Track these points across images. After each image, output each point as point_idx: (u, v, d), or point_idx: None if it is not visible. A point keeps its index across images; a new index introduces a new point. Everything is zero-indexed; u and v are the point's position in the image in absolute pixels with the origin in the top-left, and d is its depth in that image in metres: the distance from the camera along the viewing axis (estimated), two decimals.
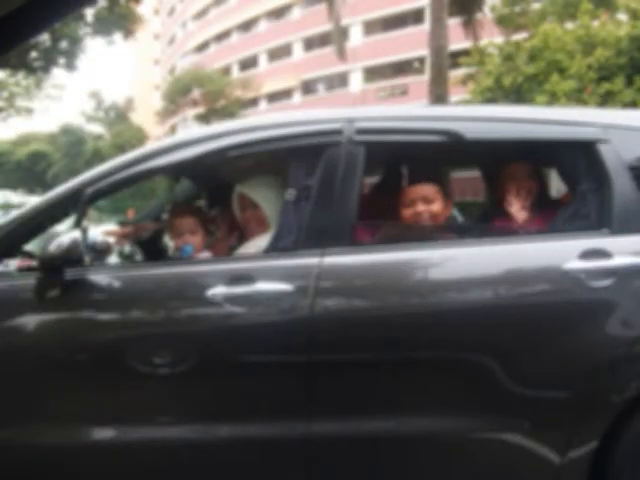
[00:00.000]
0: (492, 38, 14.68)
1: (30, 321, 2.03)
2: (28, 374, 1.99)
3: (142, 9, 20.81)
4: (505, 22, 16.40)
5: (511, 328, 1.90)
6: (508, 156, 2.45)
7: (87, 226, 2.07)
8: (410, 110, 2.35)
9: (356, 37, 32.57)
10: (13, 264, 2.28)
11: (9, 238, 2.13)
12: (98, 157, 35.16)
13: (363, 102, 28.18)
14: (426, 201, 2.27)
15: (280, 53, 38.52)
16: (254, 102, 37.28)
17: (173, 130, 41.85)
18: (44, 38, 16.24)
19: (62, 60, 17.89)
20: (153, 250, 2.81)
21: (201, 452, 1.94)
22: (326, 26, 19.22)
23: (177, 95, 34.87)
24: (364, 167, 2.04)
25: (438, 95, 12.53)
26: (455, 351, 1.91)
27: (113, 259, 2.61)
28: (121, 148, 34.44)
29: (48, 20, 1.43)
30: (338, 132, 2.06)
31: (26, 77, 21.22)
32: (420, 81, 25.90)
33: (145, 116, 46.07)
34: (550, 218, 2.14)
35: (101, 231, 2.74)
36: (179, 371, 1.95)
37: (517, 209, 2.33)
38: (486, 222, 2.53)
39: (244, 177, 2.47)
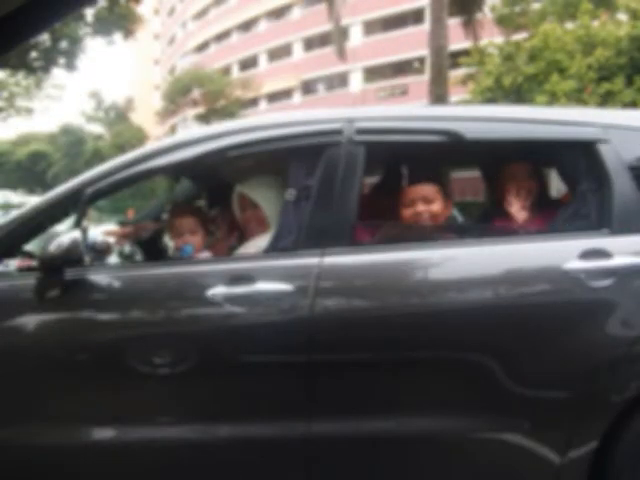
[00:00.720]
0: (492, 38, 14.69)
1: (30, 321, 2.03)
2: (28, 374, 1.99)
3: (142, 9, 20.82)
4: (505, 22, 16.39)
5: (511, 328, 1.90)
6: (508, 156, 2.45)
7: (87, 226, 2.07)
8: (410, 110, 2.35)
9: (356, 37, 32.57)
10: (13, 264, 2.28)
11: (9, 238, 2.13)
12: (98, 157, 35.15)
13: (363, 102, 28.18)
14: (426, 201, 2.27)
15: (280, 53, 38.51)
16: (254, 102, 37.27)
17: (173, 130, 41.84)
18: (44, 38, 16.24)
19: (62, 60, 17.89)
20: (153, 250, 2.81)
21: (201, 452, 1.94)
22: (326, 26, 19.22)
23: (177, 95, 34.87)
24: (364, 167, 2.04)
25: (438, 95, 12.53)
26: (455, 351, 1.91)
27: (113, 259, 2.61)
28: (121, 148, 34.43)
29: (48, 20, 1.43)
30: (338, 132, 2.06)
31: (26, 77, 21.22)
32: (420, 81, 25.90)
33: (145, 116, 46.06)
34: (550, 218, 2.14)
35: (101, 231, 2.74)
36: (179, 371, 1.95)
37: (517, 209, 2.33)
38: (486, 222, 2.53)
39: (244, 177, 2.47)
